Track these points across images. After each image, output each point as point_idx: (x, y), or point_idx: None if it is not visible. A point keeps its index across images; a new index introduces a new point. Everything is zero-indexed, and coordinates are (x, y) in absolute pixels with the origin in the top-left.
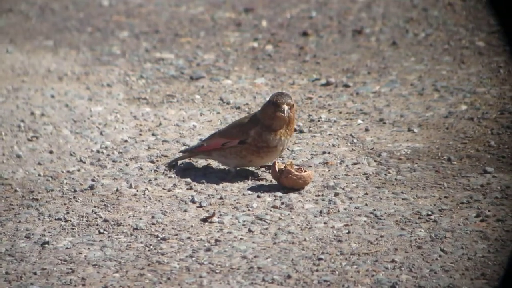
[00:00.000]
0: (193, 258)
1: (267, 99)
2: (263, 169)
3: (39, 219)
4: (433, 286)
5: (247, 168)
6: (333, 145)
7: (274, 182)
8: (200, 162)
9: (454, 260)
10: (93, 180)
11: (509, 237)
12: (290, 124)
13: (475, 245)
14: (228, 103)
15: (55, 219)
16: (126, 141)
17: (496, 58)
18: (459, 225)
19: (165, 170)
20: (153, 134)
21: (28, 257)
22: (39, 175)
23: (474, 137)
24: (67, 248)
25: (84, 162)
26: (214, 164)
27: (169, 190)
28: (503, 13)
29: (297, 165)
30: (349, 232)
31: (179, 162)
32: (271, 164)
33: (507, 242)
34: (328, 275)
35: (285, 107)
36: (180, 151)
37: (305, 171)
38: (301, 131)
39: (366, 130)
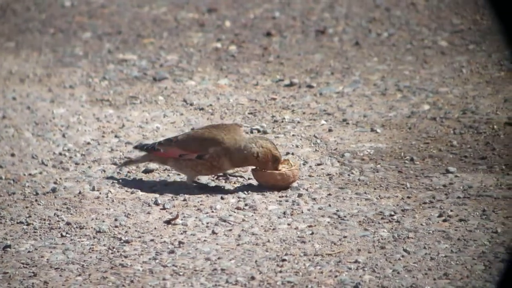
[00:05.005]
0: (157, 261)
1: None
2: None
3: (0, 223)
4: (396, 286)
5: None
6: (297, 146)
7: (237, 184)
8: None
9: (417, 260)
10: (55, 183)
11: (472, 237)
12: None
13: (437, 245)
14: (191, 104)
15: (17, 223)
16: (89, 143)
17: (459, 58)
18: (421, 225)
19: (126, 171)
20: (116, 136)
21: None
22: (1, 178)
23: (436, 137)
24: (29, 251)
25: (46, 165)
26: None
27: (132, 193)
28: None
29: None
30: (312, 233)
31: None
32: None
33: (469, 242)
34: (291, 276)
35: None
36: (134, 147)
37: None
38: (264, 132)
39: (330, 130)
